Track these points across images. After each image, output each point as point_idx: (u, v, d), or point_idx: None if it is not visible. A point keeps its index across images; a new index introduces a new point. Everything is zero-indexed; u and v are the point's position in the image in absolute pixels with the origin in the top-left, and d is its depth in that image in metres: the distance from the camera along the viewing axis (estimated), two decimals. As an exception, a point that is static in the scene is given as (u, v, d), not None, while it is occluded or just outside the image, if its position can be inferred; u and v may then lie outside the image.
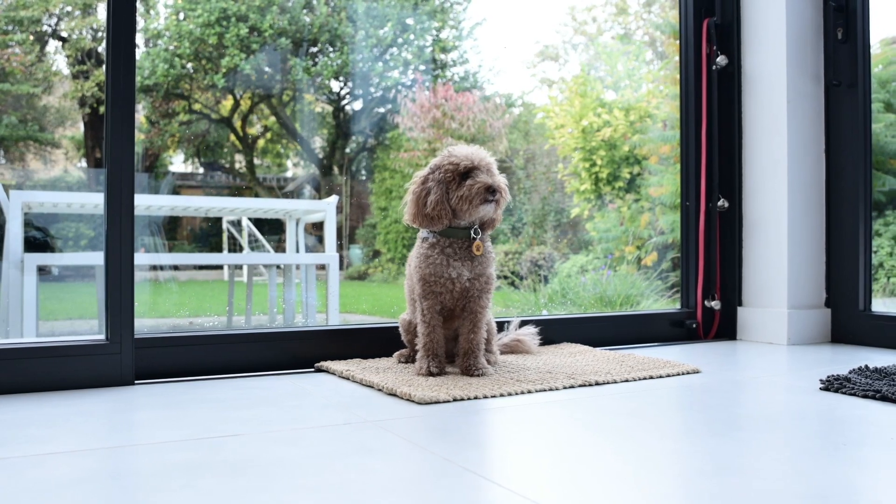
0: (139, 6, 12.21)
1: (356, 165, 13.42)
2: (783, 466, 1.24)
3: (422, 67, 12.92)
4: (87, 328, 5.47)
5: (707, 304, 2.87)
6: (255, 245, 7.30)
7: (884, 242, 6.41)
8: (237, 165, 14.34)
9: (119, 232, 1.88)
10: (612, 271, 7.96)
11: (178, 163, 13.96)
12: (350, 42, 12.47)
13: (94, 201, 4.79)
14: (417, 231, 2.04)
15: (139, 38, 12.43)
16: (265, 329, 2.16)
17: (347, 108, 13.39)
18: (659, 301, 5.17)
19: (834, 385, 1.80)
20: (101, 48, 12.66)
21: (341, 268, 12.75)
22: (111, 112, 1.92)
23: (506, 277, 9.79)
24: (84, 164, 12.81)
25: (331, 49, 12.78)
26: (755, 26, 2.85)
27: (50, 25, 12.71)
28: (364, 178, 13.27)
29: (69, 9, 12.75)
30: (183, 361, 1.99)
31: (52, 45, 12.69)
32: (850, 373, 1.90)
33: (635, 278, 5.55)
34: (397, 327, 2.20)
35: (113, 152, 1.89)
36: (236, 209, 5.09)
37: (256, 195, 13.68)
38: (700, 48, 2.92)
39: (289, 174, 14.99)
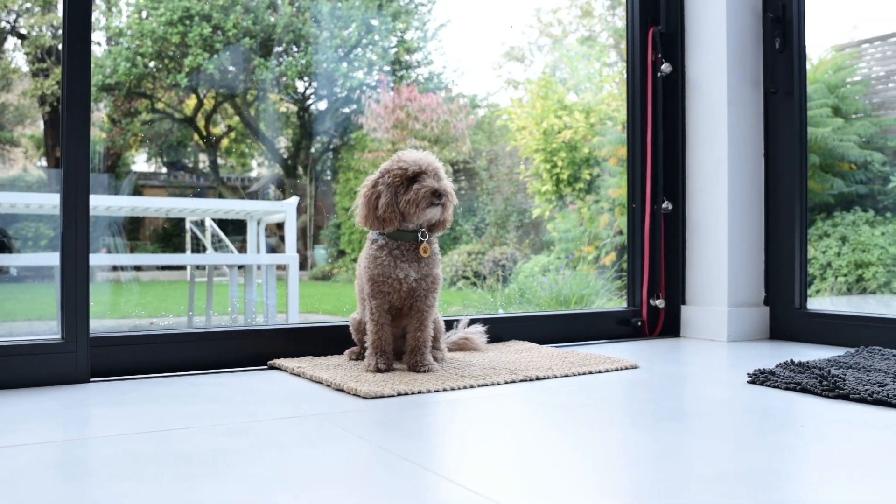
0: (101, 3, 12.13)
1: (321, 165, 13.42)
2: (712, 452, 1.33)
3: (386, 68, 12.96)
4: (46, 329, 5.45)
5: (652, 302, 2.98)
6: (218, 245, 7.31)
7: (832, 243, 6.60)
8: (201, 165, 14.27)
9: (75, 233, 1.93)
10: (571, 271, 8.09)
11: (140, 162, 13.86)
12: (314, 42, 12.48)
13: (53, 202, 4.78)
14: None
15: (101, 37, 12.35)
16: (219, 328, 2.21)
17: (312, 108, 13.39)
18: (613, 300, 5.29)
19: (760, 378, 1.91)
20: (62, 45, 12.55)
21: (305, 268, 12.76)
22: (67, 114, 1.97)
23: (468, 278, 9.88)
24: (44, 162, 12.67)
25: (295, 49, 12.77)
26: (698, 35, 2.96)
27: (8, 22, 12.56)
28: (329, 178, 13.27)
29: (28, 5, 12.60)
30: (138, 360, 2.05)
31: (11, 41, 12.54)
32: (776, 367, 2.00)
33: (591, 278, 5.67)
34: (349, 326, 2.27)
35: (69, 154, 1.93)
36: (197, 210, 5.12)
37: (220, 195, 13.63)
38: (646, 56, 3.03)
39: (253, 174, 14.94)
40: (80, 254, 1.93)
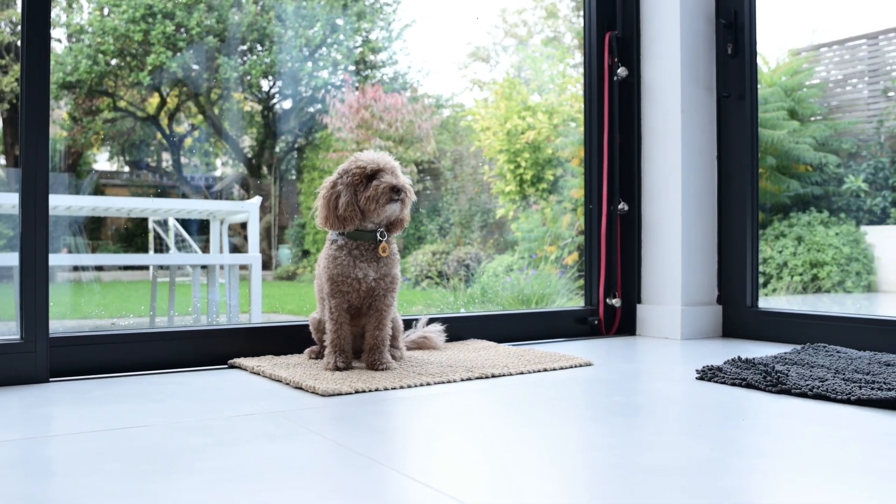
0: (61, 0, 11.95)
1: (285, 165, 13.38)
2: (659, 445, 1.39)
3: (351, 68, 12.95)
4: (5, 329, 5.39)
5: (609, 301, 3.04)
6: (181, 245, 7.27)
7: (788, 243, 6.74)
8: (164, 164, 14.14)
9: (34, 233, 1.94)
10: (535, 270, 8.16)
11: (102, 161, 13.70)
12: (279, 41, 12.43)
13: (11, 201, 4.73)
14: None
15: (62, 34, 12.17)
16: (180, 328, 2.23)
17: (276, 107, 13.33)
18: (573, 299, 5.37)
19: (708, 375, 1.98)
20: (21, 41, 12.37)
21: (270, 268, 12.70)
22: (26, 114, 1.97)
23: (431, 277, 9.92)
24: (2, 160, 12.46)
25: (259, 48, 12.71)
26: (653, 40, 3.04)
27: (-34, 19, 12.35)
28: (293, 177, 13.23)
29: (-14, 1, 12.41)
30: (99, 359, 2.06)
31: (-32, 38, 12.34)
32: (724, 363, 2.07)
33: (553, 277, 5.74)
34: (308, 325, 2.30)
35: (28, 154, 1.94)
36: (159, 210, 5.10)
37: (183, 195, 13.52)
38: (602, 60, 3.09)
39: (217, 173, 14.84)
40: (39, 254, 1.94)
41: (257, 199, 5.02)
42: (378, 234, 2.10)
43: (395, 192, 2.03)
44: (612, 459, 1.28)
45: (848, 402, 1.67)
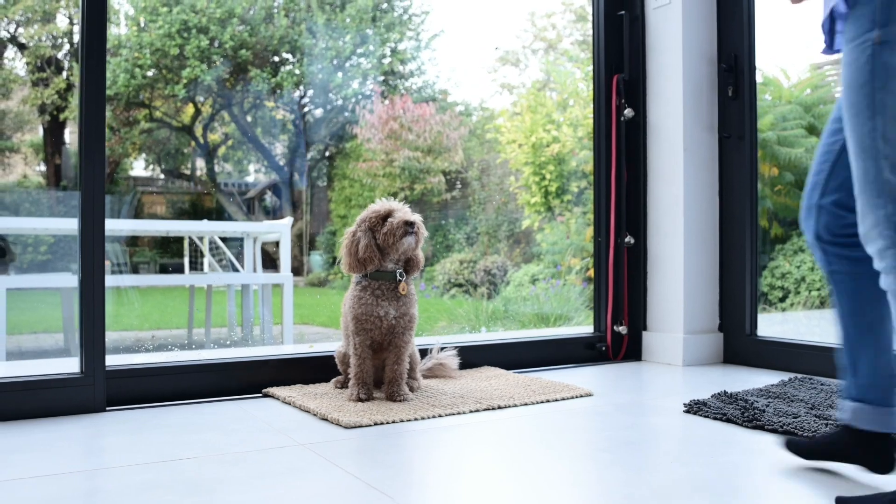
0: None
1: (317, 172, 13.66)
2: (630, 479, 1.60)
3: (380, 78, 13.20)
4: (52, 342, 5.70)
5: (616, 328, 3.24)
6: (215, 252, 7.56)
7: (806, 258, 6.86)
8: (198, 172, 14.52)
9: (93, 282, 2.19)
10: (560, 280, 8.35)
11: (139, 168, 14.10)
12: (310, 53, 12.73)
13: (57, 226, 5.06)
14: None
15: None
16: (220, 360, 2.47)
17: (308, 116, 13.63)
18: (591, 315, 5.56)
19: (693, 409, 2.18)
20: (61, 55, 12.79)
21: (301, 274, 13.00)
22: (85, 147, 2.21)
23: (460, 285, 10.13)
24: (43, 168, 12.90)
25: (291, 60, 13.00)
26: (658, 83, 3.23)
27: (8, 32, 12.79)
28: (324, 185, 13.51)
29: (29, 16, 12.83)
30: (150, 390, 2.31)
31: (11, 51, 12.76)
32: (710, 397, 2.27)
33: (574, 293, 5.92)
34: (339, 350, 2.52)
35: (86, 234, 2.18)
36: (197, 231, 5.38)
37: (217, 201, 13.89)
38: (611, 101, 3.30)
39: (250, 179, 15.19)
40: (97, 296, 2.19)
41: (288, 220, 5.28)
42: (398, 275, 2.32)
43: (409, 225, 2.28)
44: (588, 493, 1.50)
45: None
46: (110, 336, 6.02)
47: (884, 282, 1.38)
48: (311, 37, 12.71)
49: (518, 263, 10.12)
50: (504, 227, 10.72)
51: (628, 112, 3.26)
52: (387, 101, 11.81)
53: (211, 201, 14.00)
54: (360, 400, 2.26)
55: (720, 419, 2.09)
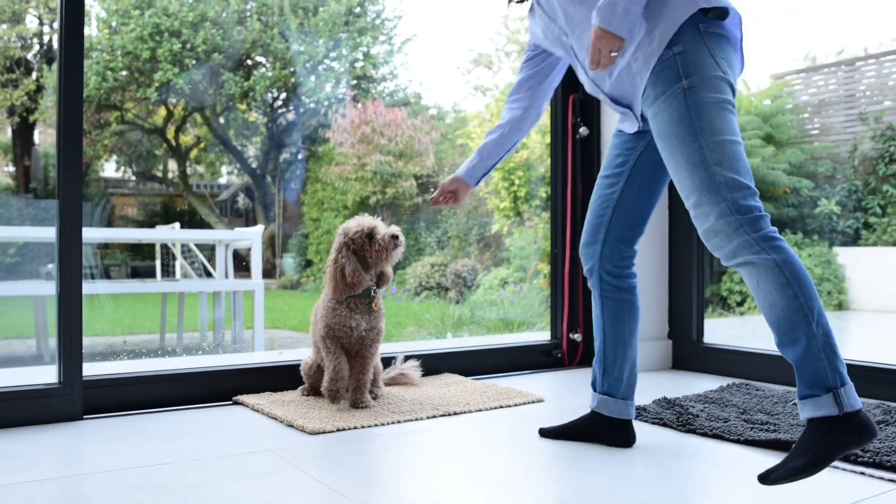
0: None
1: (289, 174, 13.73)
2: (563, 479, 1.76)
3: (353, 82, 13.30)
4: (25, 348, 5.78)
5: (571, 336, 3.41)
6: (188, 255, 7.65)
7: (763, 263, 7.09)
8: (170, 175, 14.54)
9: (70, 293, 2.32)
10: (528, 284, 8.52)
11: (110, 169, 14.08)
12: (282, 57, 12.80)
13: (27, 234, 5.14)
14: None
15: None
16: (194, 369, 2.60)
17: (280, 119, 13.70)
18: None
19: (634, 414, 2.35)
20: (31, 56, 12.78)
21: (273, 276, 13.08)
22: (63, 175, 2.33)
23: (431, 288, 10.28)
24: (12, 168, 12.85)
25: (264, 63, 13.06)
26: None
27: (-25, 33, 12.74)
28: (297, 187, 13.58)
29: (-4, 16, 12.78)
30: (126, 398, 2.44)
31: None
32: (650, 403, 2.45)
33: (536, 299, 6.09)
34: (305, 362, 2.66)
35: (63, 246, 2.31)
36: (170, 239, 5.49)
37: (189, 203, 13.92)
38: (567, 119, 3.47)
39: (222, 181, 15.23)
40: (75, 311, 2.32)
41: (260, 228, 5.42)
42: (371, 291, 2.48)
43: (395, 238, 2.41)
44: (522, 492, 1.66)
45: (738, 441, 2.05)
46: (83, 342, 6.10)
47: (736, 261, 1.68)
48: (284, 41, 12.78)
49: (488, 267, 10.28)
50: (474, 230, 10.88)
51: (583, 130, 3.43)
52: (359, 106, 11.92)
53: (183, 203, 14.03)
54: (339, 397, 2.43)
55: (658, 424, 2.26)
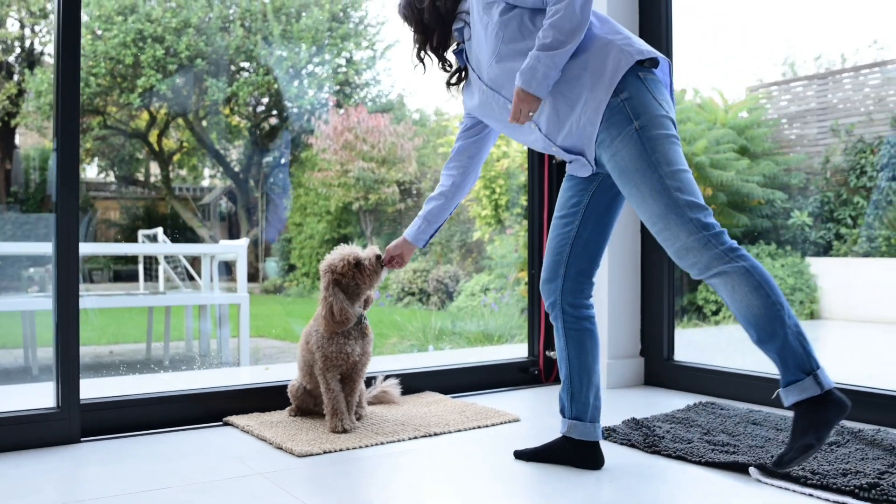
0: (52, 20, 12.30)
1: (273, 178, 13.80)
2: (545, 498, 1.90)
3: (336, 88, 13.39)
4: (11, 359, 5.85)
5: (548, 353, 3.55)
6: (171, 259, 7.72)
7: (737, 273, 7.26)
8: (152, 179, 14.57)
9: (67, 321, 2.43)
10: (509, 291, 8.67)
11: (91, 173, 14.08)
12: (265, 63, 12.87)
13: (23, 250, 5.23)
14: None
15: (51, 54, 12.54)
16: (188, 391, 2.72)
17: (263, 124, 13.77)
18: (533, 333, 5.91)
19: (604, 434, 2.49)
20: (12, 59, 12.78)
21: (257, 280, 13.15)
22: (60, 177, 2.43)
23: (413, 294, 10.40)
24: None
25: (247, 68, 13.12)
26: (586, 130, 3.55)
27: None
28: (279, 192, 13.65)
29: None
30: (122, 420, 2.55)
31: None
32: (621, 423, 2.59)
33: (515, 309, 6.23)
34: (292, 384, 2.78)
35: (60, 276, 2.42)
36: (156, 252, 5.59)
37: (171, 207, 13.96)
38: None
39: (205, 184, 15.27)
40: (72, 336, 2.43)
41: (245, 241, 5.52)
42: (362, 317, 2.60)
43: (379, 259, 2.54)
44: (503, 517, 1.79)
45: (700, 463, 2.19)
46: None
47: (707, 274, 1.90)
48: (267, 46, 12.86)
49: (470, 273, 10.42)
50: (456, 237, 11.00)
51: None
52: (342, 111, 12.01)
53: (165, 207, 14.08)
54: (344, 430, 2.52)
55: (627, 444, 2.40)
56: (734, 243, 1.89)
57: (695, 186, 1.93)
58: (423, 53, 2.29)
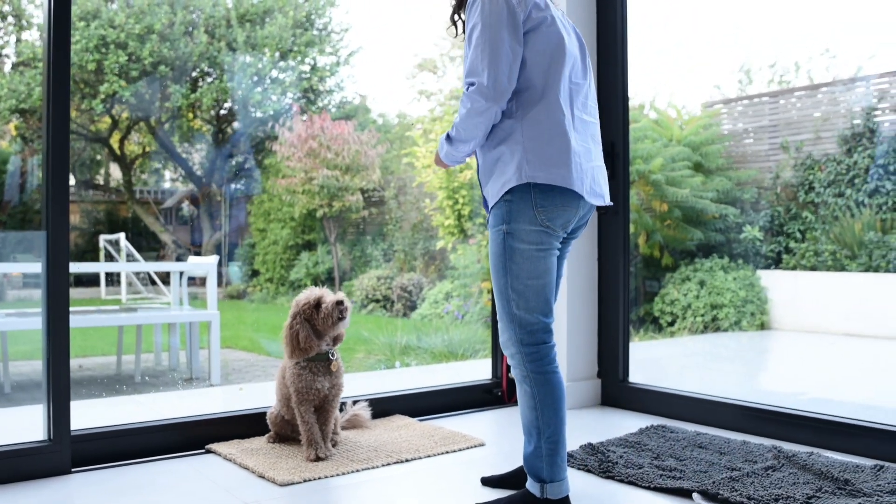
0: (11, 26, 12.25)
1: (236, 184, 13.85)
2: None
3: (299, 95, 13.48)
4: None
5: (510, 375, 3.75)
6: (132, 261, 7.75)
7: (692, 286, 7.56)
8: (112, 183, 14.52)
9: (59, 354, 2.57)
10: (473, 300, 8.87)
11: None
12: (229, 69, 12.93)
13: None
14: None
15: (13, 61, 12.51)
16: (172, 420, 2.87)
17: (227, 129, 13.80)
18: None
19: (564, 459, 2.69)
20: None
21: (220, 284, 13.19)
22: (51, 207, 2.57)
23: (378, 301, 10.56)
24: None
25: (211, 74, 13.15)
26: (547, 164, 3.75)
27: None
28: (243, 196, 13.70)
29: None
30: (111, 450, 2.69)
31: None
32: (578, 448, 2.80)
33: (480, 320, 6.42)
34: (271, 412, 2.95)
35: (51, 307, 2.55)
36: (129, 270, 5.69)
37: (133, 211, 13.95)
38: (507, 177, 3.80)
39: (166, 186, 15.25)
40: (63, 370, 2.57)
41: (215, 259, 5.64)
42: (329, 354, 2.78)
43: (340, 304, 2.72)
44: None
45: (649, 488, 2.41)
46: (33, 366, 6.21)
47: (514, 372, 2.24)
48: (231, 53, 12.91)
49: (433, 280, 10.60)
50: (420, 245, 11.17)
51: (522, 188, 3.77)
52: (305, 118, 12.10)
53: (127, 211, 14.06)
54: (318, 459, 2.69)
55: (584, 470, 2.61)
56: (548, 362, 2.18)
57: (538, 301, 2.13)
58: (456, 16, 2.39)
